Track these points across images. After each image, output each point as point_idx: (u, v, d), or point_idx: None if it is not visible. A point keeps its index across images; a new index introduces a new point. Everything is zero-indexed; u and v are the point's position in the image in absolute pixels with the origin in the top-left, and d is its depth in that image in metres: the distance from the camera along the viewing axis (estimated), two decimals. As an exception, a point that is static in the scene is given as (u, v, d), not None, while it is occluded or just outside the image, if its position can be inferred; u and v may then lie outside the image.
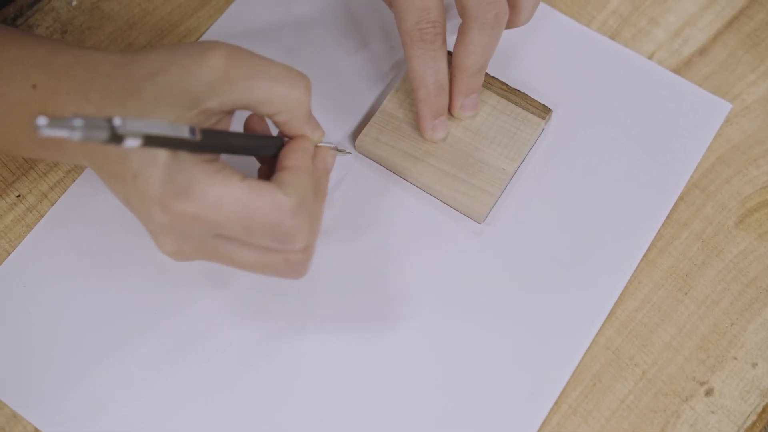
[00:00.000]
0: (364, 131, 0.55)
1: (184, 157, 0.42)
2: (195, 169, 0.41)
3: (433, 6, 0.49)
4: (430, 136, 0.54)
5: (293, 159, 0.45)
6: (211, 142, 0.43)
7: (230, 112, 0.45)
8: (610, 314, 0.52)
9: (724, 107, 0.57)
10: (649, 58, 0.59)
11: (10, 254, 0.52)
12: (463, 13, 0.50)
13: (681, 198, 0.55)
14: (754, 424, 0.50)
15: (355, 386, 0.50)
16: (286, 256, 0.45)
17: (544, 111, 0.55)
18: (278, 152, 0.46)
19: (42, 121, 0.34)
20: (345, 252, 0.53)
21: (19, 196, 0.54)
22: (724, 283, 0.53)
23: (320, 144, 0.48)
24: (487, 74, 0.56)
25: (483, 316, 0.52)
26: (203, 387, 0.49)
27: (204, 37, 0.59)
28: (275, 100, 0.44)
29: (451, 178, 0.54)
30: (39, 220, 0.53)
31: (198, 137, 0.41)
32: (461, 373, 0.50)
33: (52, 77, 0.45)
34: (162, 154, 0.41)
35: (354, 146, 0.56)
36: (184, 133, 0.40)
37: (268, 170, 0.48)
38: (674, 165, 0.56)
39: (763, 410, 0.50)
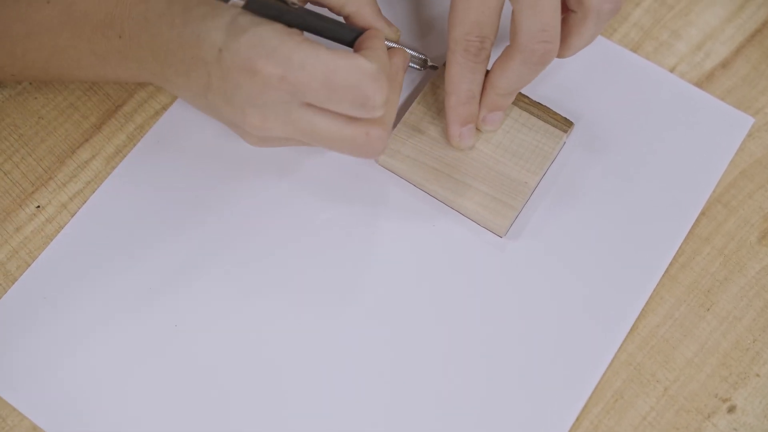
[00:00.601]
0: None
1: (271, 27, 0.44)
2: (282, 36, 0.44)
3: (487, 22, 0.49)
4: (456, 143, 0.54)
5: (370, 42, 0.48)
6: (303, 15, 0.46)
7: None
8: (631, 330, 0.52)
9: (747, 121, 0.57)
10: (671, 71, 0.59)
11: (30, 266, 0.52)
12: (512, 38, 0.49)
13: (703, 213, 0.55)
14: (777, 442, 0.50)
15: (377, 400, 0.49)
16: (366, 129, 0.46)
17: (566, 124, 0.55)
18: (353, 41, 0.50)
19: None
20: (365, 263, 0.53)
21: (38, 206, 0.54)
22: (746, 299, 0.53)
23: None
24: (524, 96, 0.56)
25: (503, 330, 0.51)
26: (227, 404, 0.49)
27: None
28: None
29: (473, 191, 0.53)
30: (59, 232, 0.53)
31: (297, 5, 0.45)
32: (481, 388, 0.50)
33: None
34: (249, 27, 0.44)
35: (377, 159, 0.55)
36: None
37: None
38: (696, 180, 0.55)
39: (786, 428, 0.50)
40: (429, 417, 0.49)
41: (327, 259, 0.53)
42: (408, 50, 0.54)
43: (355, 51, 0.49)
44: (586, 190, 0.55)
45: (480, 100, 0.53)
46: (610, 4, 0.49)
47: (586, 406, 0.50)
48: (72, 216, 0.54)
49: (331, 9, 0.50)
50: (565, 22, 0.50)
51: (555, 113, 0.55)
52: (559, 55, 0.52)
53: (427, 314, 0.52)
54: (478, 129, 0.55)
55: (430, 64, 0.57)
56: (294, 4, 0.45)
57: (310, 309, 0.52)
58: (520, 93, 0.56)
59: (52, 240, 0.53)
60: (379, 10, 0.51)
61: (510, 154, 0.54)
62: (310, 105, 0.45)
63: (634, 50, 0.59)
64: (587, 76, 0.58)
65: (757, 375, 0.51)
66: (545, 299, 0.52)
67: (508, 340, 0.51)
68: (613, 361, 0.51)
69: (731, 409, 0.50)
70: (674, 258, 0.53)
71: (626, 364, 0.51)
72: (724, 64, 0.59)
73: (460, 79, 0.51)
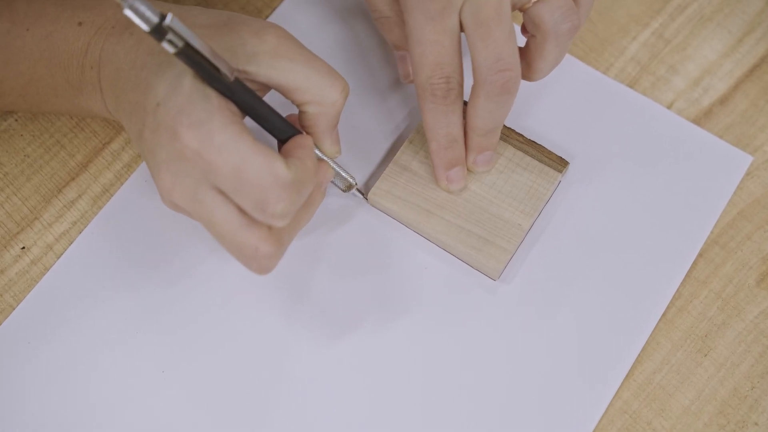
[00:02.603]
0: (376, 184, 0.54)
1: (209, 98, 0.42)
2: (214, 112, 0.42)
3: (447, 61, 0.48)
4: (445, 187, 0.53)
5: (301, 151, 0.46)
6: (240, 92, 0.44)
7: (265, 88, 0.47)
8: (627, 376, 0.51)
9: (745, 160, 0.56)
10: (669, 107, 0.58)
11: (14, 309, 0.51)
12: (474, 75, 0.48)
13: (700, 255, 0.54)
14: (775, 493, 0.49)
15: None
16: (258, 243, 0.44)
17: (561, 164, 0.54)
18: (287, 137, 0.47)
19: None
20: (356, 306, 0.52)
21: (23, 248, 0.53)
22: (744, 344, 0.52)
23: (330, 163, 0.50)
24: (503, 125, 0.55)
25: (494, 375, 0.50)
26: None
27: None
28: (311, 89, 0.46)
29: (466, 233, 0.52)
30: (44, 274, 0.52)
31: (231, 78, 0.43)
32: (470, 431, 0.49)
33: (98, 15, 0.48)
34: (189, 90, 0.42)
35: (366, 199, 0.54)
36: (222, 65, 0.42)
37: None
38: (693, 220, 0.54)
39: (785, 479, 0.49)
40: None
41: (315, 299, 0.52)
42: (338, 169, 0.51)
43: (283, 152, 0.46)
44: (581, 232, 0.54)
45: (465, 143, 0.52)
46: (567, 24, 0.48)
47: (580, 455, 0.49)
48: (58, 257, 0.53)
49: (289, 99, 0.47)
50: (528, 46, 0.50)
51: (550, 152, 0.54)
52: (529, 79, 0.51)
53: (416, 357, 0.51)
54: (470, 170, 0.53)
55: (356, 188, 0.53)
56: (226, 77, 0.42)
57: (300, 353, 0.51)
58: (514, 132, 0.55)
59: (37, 282, 0.52)
60: (335, 124, 0.49)
61: (504, 194, 0.53)
62: (218, 191, 0.43)
63: (631, 86, 0.58)
64: (583, 113, 0.57)
65: (756, 424, 0.50)
66: (538, 345, 0.51)
67: (498, 386, 0.50)
68: (608, 408, 0.50)
69: (729, 459, 0.49)
70: (671, 301, 0.52)
71: (621, 412, 0.50)
72: (723, 101, 0.58)
73: (436, 125, 0.50)
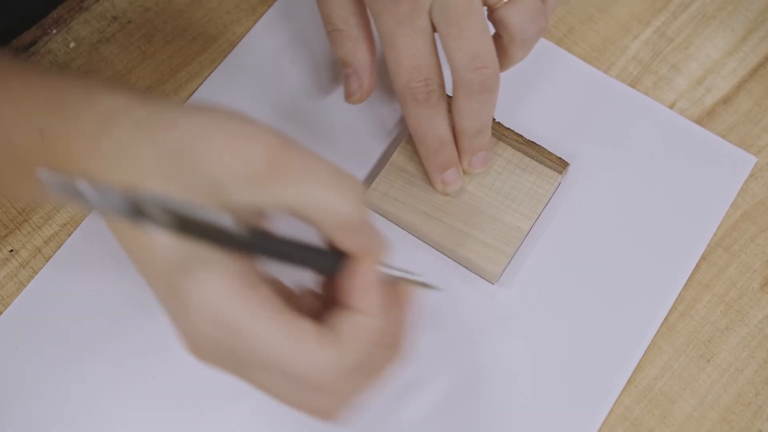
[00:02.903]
0: (372, 186, 0.53)
1: (216, 276, 0.34)
2: (219, 282, 0.34)
3: (423, 63, 0.47)
4: (441, 190, 0.52)
5: (358, 295, 0.36)
6: (259, 243, 0.35)
7: (261, 214, 0.37)
8: (628, 382, 0.50)
9: (749, 161, 0.55)
10: (671, 107, 0.56)
11: (2, 314, 0.50)
12: (452, 76, 0.47)
13: (703, 258, 0.53)
14: (779, 502, 0.47)
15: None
16: (319, 404, 0.37)
17: (561, 165, 0.53)
18: (334, 269, 0.37)
19: (46, 175, 0.30)
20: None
21: (11, 251, 0.52)
22: (748, 349, 0.51)
23: (393, 273, 0.39)
24: (501, 126, 0.54)
25: (494, 380, 0.49)
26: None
27: (209, 80, 0.56)
28: (317, 208, 0.35)
29: (464, 236, 0.51)
30: (33, 277, 0.51)
31: (244, 233, 0.34)
32: (473, 446, 0.48)
33: (60, 121, 0.37)
34: (191, 267, 0.34)
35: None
36: (226, 222, 0.33)
37: (327, 288, 0.40)
38: (696, 222, 0.53)
39: (790, 488, 0.48)
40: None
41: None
42: (406, 275, 0.40)
43: (338, 301, 0.37)
44: (581, 234, 0.53)
45: (458, 147, 0.50)
46: (535, 28, 0.47)
47: (580, 463, 0.48)
48: (47, 260, 0.52)
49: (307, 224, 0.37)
50: (496, 41, 0.48)
51: (550, 153, 0.53)
52: (505, 67, 0.50)
53: (413, 362, 0.49)
54: (467, 172, 0.52)
55: (429, 286, 0.41)
56: (239, 232, 0.34)
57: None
58: (513, 132, 0.54)
59: (25, 286, 0.51)
60: (363, 225, 0.37)
61: (503, 196, 0.52)
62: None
63: (633, 85, 0.57)
64: (584, 113, 0.56)
65: (760, 431, 0.49)
66: (537, 350, 0.50)
67: (497, 391, 0.49)
68: (609, 415, 0.49)
69: (732, 468, 0.48)
70: (673, 306, 0.51)
71: (622, 418, 0.49)
72: (726, 100, 0.57)
73: (422, 129, 0.49)
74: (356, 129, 0.56)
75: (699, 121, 0.56)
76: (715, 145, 0.55)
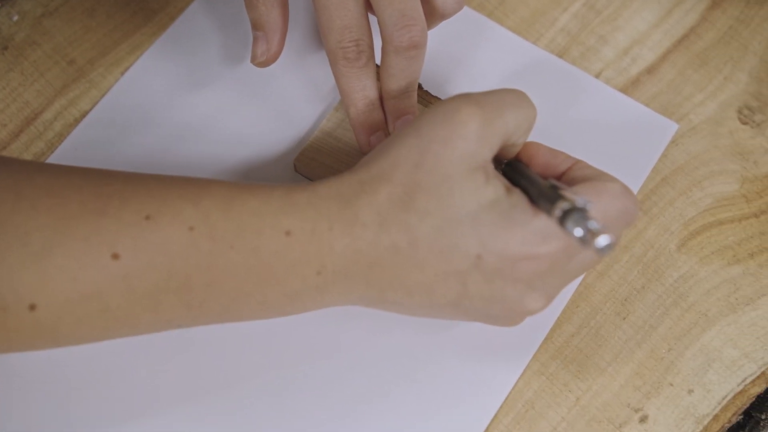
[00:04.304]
0: (301, 151, 0.54)
1: (516, 206, 0.42)
2: (528, 215, 0.42)
3: (354, 24, 0.49)
4: (368, 153, 0.53)
5: (581, 168, 0.47)
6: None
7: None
8: (545, 339, 0.51)
9: (671, 127, 0.57)
10: (597, 76, 0.58)
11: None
12: (381, 35, 0.49)
13: (623, 220, 0.54)
14: (687, 452, 0.49)
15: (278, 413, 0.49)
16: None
17: (485, 131, 0.55)
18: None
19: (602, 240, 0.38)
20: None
21: None
22: (663, 308, 0.52)
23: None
24: (428, 93, 0.55)
25: (415, 339, 0.51)
26: None
27: (148, 53, 0.58)
28: (523, 123, 0.45)
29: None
30: None
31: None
32: (387, 398, 0.49)
33: (303, 220, 0.43)
34: (499, 221, 0.42)
35: (293, 166, 0.55)
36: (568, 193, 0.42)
37: None
38: (617, 186, 0.55)
39: (698, 439, 0.49)
40: (348, 423, 0.49)
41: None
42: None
43: (572, 183, 0.46)
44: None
45: (384, 110, 0.52)
46: (454, 5, 0.50)
47: (496, 416, 0.49)
48: None
49: (514, 146, 0.47)
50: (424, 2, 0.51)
51: (474, 120, 0.55)
52: (428, 25, 0.52)
53: (335, 330, 0.51)
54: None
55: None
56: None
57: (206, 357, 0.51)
58: (438, 99, 0.55)
59: None
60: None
61: (427, 161, 0.54)
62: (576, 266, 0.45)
63: (561, 55, 0.59)
64: (511, 81, 0.58)
65: (671, 384, 0.50)
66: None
67: (422, 351, 0.51)
68: (525, 371, 0.51)
69: (643, 419, 0.50)
70: (592, 266, 0.53)
71: (539, 373, 0.51)
72: (650, 70, 0.58)
73: (351, 89, 0.51)
74: (292, 94, 0.57)
75: (624, 90, 0.58)
76: (638, 113, 0.57)
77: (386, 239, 0.43)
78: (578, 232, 0.39)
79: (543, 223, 0.42)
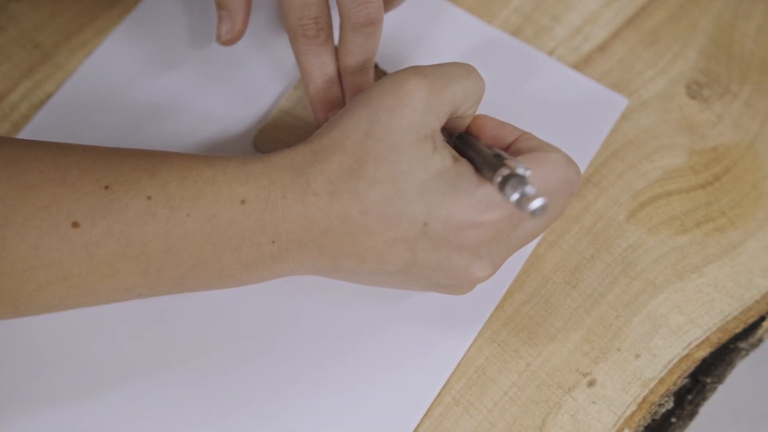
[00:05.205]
0: (261, 129, 0.56)
1: (464, 175, 0.44)
2: (474, 183, 0.44)
3: (313, 2, 0.50)
4: None
5: (527, 140, 0.48)
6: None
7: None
8: (497, 308, 0.53)
9: (621, 102, 0.58)
10: (550, 54, 0.60)
11: None
12: (339, 12, 0.51)
13: (574, 193, 0.56)
14: (633, 414, 0.50)
15: (239, 381, 0.51)
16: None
17: (439, 108, 0.56)
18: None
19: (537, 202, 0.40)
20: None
21: None
22: (611, 276, 0.54)
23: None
24: (384, 72, 0.57)
25: (371, 309, 0.52)
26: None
27: (110, 38, 0.59)
28: (471, 95, 0.47)
29: (345, 174, 0.54)
30: None
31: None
32: (345, 364, 0.51)
33: (258, 188, 0.45)
34: (445, 188, 0.43)
35: (252, 144, 0.56)
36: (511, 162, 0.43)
37: None
38: (569, 160, 0.56)
39: (644, 400, 0.51)
40: (290, 395, 0.50)
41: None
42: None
43: (515, 153, 0.48)
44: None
45: (342, 86, 0.54)
46: None
47: (448, 381, 0.51)
48: None
49: (461, 118, 0.49)
50: None
51: (429, 97, 0.56)
52: (387, 8, 0.53)
53: (289, 298, 0.53)
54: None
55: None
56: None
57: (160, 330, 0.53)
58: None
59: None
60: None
61: (382, 137, 0.55)
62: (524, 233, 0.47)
63: (515, 34, 0.60)
64: (466, 60, 0.58)
65: (618, 350, 0.52)
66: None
67: (376, 318, 0.52)
68: (477, 338, 0.52)
69: (591, 383, 0.51)
70: (543, 237, 0.54)
71: (490, 341, 0.52)
72: (602, 48, 0.60)
73: (310, 66, 0.52)
74: (255, 74, 0.59)
75: (576, 67, 0.59)
76: (589, 88, 0.58)
77: (337, 207, 0.44)
78: (514, 196, 0.40)
79: (487, 192, 0.43)
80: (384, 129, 0.44)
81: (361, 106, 0.45)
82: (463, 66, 0.47)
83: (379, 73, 0.57)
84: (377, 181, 0.44)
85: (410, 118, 0.44)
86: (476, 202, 0.43)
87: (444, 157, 0.44)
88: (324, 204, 0.44)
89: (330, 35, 0.52)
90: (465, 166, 0.45)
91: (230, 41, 0.54)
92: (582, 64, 0.59)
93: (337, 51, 0.53)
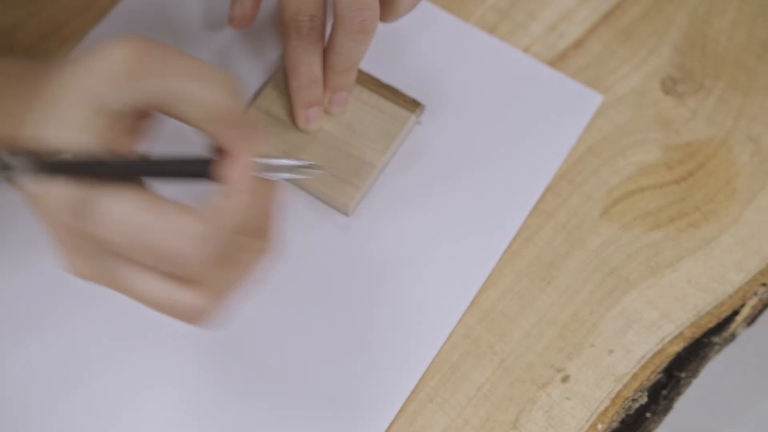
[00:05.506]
0: (236, 127, 0.56)
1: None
2: (102, 193, 0.36)
3: (312, 0, 0.50)
4: (303, 126, 0.55)
5: (227, 180, 0.38)
6: (135, 166, 0.38)
7: (143, 116, 0.39)
8: (471, 304, 0.53)
9: (596, 99, 0.58)
10: (525, 51, 0.60)
11: None
12: (334, 13, 0.50)
13: (549, 189, 0.56)
14: (607, 409, 0.51)
15: (212, 378, 0.51)
16: (189, 301, 0.38)
17: (413, 105, 0.56)
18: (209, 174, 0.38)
19: None
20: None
21: None
22: (586, 272, 0.54)
23: (268, 170, 0.39)
24: (360, 71, 0.57)
25: (345, 306, 0.53)
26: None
27: (91, 35, 0.60)
28: (187, 99, 0.36)
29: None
30: None
31: (119, 159, 0.37)
32: (321, 361, 0.51)
33: None
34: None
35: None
36: (102, 155, 0.36)
37: None
38: (544, 157, 0.56)
39: (617, 396, 0.51)
40: (266, 391, 0.50)
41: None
42: (285, 161, 0.40)
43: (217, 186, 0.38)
44: (437, 170, 0.56)
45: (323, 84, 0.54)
46: (410, 3, 0.51)
47: (422, 378, 0.51)
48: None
49: (185, 122, 0.39)
50: None
51: (404, 95, 0.57)
52: (386, 20, 0.53)
53: (272, 293, 0.53)
54: (326, 111, 0.56)
55: (317, 170, 0.41)
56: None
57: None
58: (370, 76, 0.57)
59: None
60: (239, 121, 0.38)
61: (357, 135, 0.56)
62: (129, 260, 0.37)
63: (490, 32, 0.60)
64: (443, 58, 0.59)
65: (592, 345, 0.52)
66: (388, 277, 0.53)
67: (350, 315, 0.52)
68: (451, 334, 0.52)
69: (565, 379, 0.51)
70: (518, 233, 0.55)
71: (464, 337, 0.52)
72: (577, 44, 0.60)
73: (298, 62, 0.53)
74: (230, 69, 0.59)
75: (551, 64, 0.59)
76: (564, 85, 0.59)
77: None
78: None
79: (84, 198, 0.37)
80: (62, 76, 0.37)
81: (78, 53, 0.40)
82: (203, 66, 0.37)
83: (361, 75, 0.57)
84: (24, 113, 0.38)
85: (85, 78, 0.37)
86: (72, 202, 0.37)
87: (77, 141, 0.37)
88: None
89: (322, 35, 0.52)
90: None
91: (240, 24, 0.55)
92: (557, 61, 0.60)
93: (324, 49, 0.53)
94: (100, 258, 0.38)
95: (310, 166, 0.41)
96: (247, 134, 0.38)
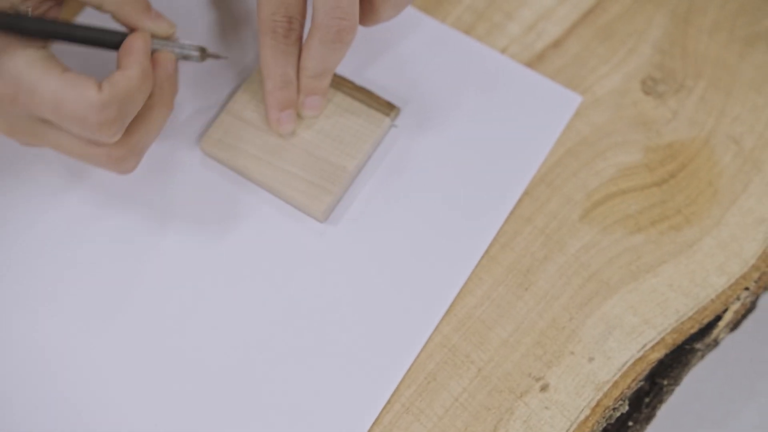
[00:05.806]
0: (207, 133, 0.55)
1: (8, 39, 0.45)
2: (17, 53, 0.44)
3: (291, 2, 0.49)
4: (275, 128, 0.54)
5: (126, 59, 0.47)
6: (52, 25, 0.46)
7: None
8: (448, 312, 0.52)
9: (575, 100, 0.57)
10: (503, 52, 0.59)
11: None
12: (312, 18, 0.49)
13: (526, 193, 0.55)
14: (587, 418, 0.49)
15: (193, 380, 0.50)
16: (107, 150, 0.47)
17: (388, 108, 0.55)
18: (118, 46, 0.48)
19: None
20: (188, 253, 0.53)
21: None
22: (565, 277, 0.53)
23: (165, 46, 0.49)
24: (335, 73, 0.56)
25: (319, 314, 0.51)
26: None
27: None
28: None
29: (292, 176, 0.53)
30: None
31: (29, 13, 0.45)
32: (296, 370, 0.50)
33: None
34: None
35: (199, 147, 0.55)
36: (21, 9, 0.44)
37: None
38: (521, 160, 0.55)
39: (597, 404, 0.50)
40: (242, 398, 0.49)
41: (144, 248, 0.53)
42: (181, 43, 0.50)
43: (118, 65, 0.47)
44: (411, 174, 0.55)
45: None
46: (390, 11, 0.50)
47: (398, 388, 0.50)
48: None
49: (91, 6, 0.48)
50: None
51: (378, 98, 0.55)
52: (367, 23, 0.51)
53: (247, 300, 0.52)
54: (299, 115, 0.54)
55: (210, 52, 0.52)
56: (26, 13, 0.46)
57: (127, 303, 0.52)
58: (344, 79, 0.56)
59: None
60: (146, 5, 0.49)
61: (330, 139, 0.54)
62: (50, 123, 0.46)
63: (467, 32, 0.59)
64: (419, 60, 0.58)
65: (572, 353, 0.51)
66: (364, 283, 0.52)
67: (324, 324, 0.51)
68: (427, 343, 0.51)
69: (544, 388, 0.50)
70: (495, 239, 0.53)
71: (441, 346, 0.51)
72: (556, 44, 0.59)
73: (273, 63, 0.51)
74: (202, 71, 0.57)
75: (529, 65, 0.58)
76: (542, 86, 0.57)
77: None
78: None
79: (4, 64, 0.45)
80: None
81: None
82: None
83: (335, 78, 0.56)
84: None
85: None
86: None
87: None
88: None
89: (300, 37, 0.51)
90: None
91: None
92: (535, 62, 0.58)
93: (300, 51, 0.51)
94: (25, 121, 0.46)
95: (200, 49, 0.51)
96: (150, 17, 0.48)
